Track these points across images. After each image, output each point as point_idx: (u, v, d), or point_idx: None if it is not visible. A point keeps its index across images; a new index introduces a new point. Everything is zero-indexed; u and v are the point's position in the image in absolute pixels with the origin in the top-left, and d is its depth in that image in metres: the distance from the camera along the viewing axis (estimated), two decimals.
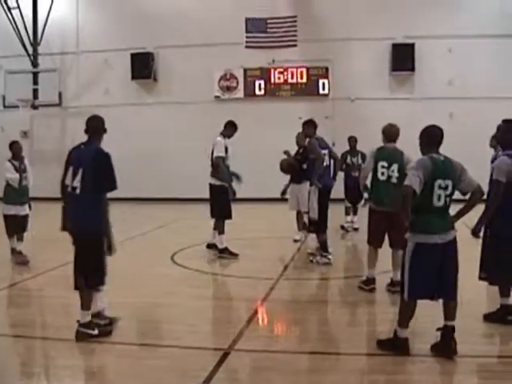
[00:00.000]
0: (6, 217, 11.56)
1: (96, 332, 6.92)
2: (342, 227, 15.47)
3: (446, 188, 6.16)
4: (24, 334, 7.25)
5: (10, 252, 11.58)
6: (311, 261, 11.56)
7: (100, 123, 7.16)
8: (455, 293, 6.30)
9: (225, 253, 12.05)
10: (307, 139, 11.89)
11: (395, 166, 9.04)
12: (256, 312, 8.39)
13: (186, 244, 13.27)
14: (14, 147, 11.91)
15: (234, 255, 12.05)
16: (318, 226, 11.48)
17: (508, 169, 7.05)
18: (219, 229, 12.09)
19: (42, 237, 13.16)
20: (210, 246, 12.42)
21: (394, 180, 8.98)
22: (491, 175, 7.19)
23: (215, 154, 11.81)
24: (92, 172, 6.75)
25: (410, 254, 6.24)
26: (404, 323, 6.33)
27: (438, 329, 6.38)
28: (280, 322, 8.21)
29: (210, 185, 12.09)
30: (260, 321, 8.15)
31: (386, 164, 9.05)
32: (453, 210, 6.35)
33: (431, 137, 6.47)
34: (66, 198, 7.02)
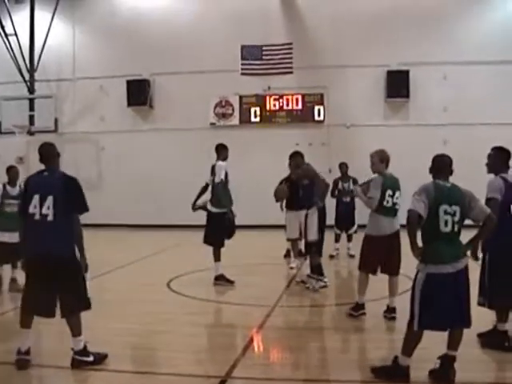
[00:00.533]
0: None
1: (91, 359, 6.86)
2: (331, 256, 15.42)
3: (453, 214, 6.12)
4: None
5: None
6: (307, 287, 11.54)
7: (54, 149, 7.20)
8: (470, 320, 6.26)
9: (221, 280, 12.02)
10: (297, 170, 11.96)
11: (398, 193, 9.17)
12: (252, 339, 8.35)
13: (181, 271, 13.25)
14: (12, 172, 11.77)
15: (230, 282, 12.02)
16: (319, 247, 11.59)
17: (500, 187, 7.13)
18: (215, 256, 12.07)
19: None
20: (217, 279, 12.26)
21: (398, 207, 9.11)
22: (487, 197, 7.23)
23: (218, 180, 11.83)
24: (64, 198, 6.75)
25: (420, 285, 6.17)
26: (408, 352, 6.26)
27: (439, 357, 6.34)
28: (276, 350, 8.17)
29: (209, 212, 12.08)
30: (256, 348, 8.10)
31: (391, 192, 9.08)
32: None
33: (438, 165, 6.46)
34: (29, 226, 6.93)
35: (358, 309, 9.21)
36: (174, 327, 8.85)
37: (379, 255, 9.01)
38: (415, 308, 6.20)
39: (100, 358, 6.96)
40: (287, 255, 15.27)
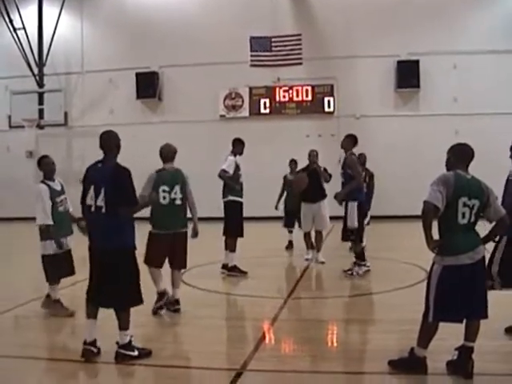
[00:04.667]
0: (44, 257, 9.01)
1: (136, 353, 6.87)
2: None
3: (471, 207, 6.00)
4: (35, 356, 7.20)
5: (45, 301, 9.25)
6: (351, 274, 11.61)
7: (110, 139, 6.99)
8: (486, 311, 6.17)
9: (234, 271, 12.00)
10: (343, 153, 12.07)
11: (177, 188, 9.07)
12: (266, 332, 8.32)
13: (194, 263, 13.21)
14: (45, 163, 9.17)
15: (244, 273, 12.01)
16: (357, 234, 11.70)
17: None
18: (230, 247, 12.05)
19: None
20: (225, 267, 12.28)
21: (178, 202, 9.07)
22: (506, 186, 7.13)
23: (221, 168, 11.81)
24: (113, 190, 6.66)
25: (436, 277, 6.09)
26: (424, 343, 6.22)
27: (457, 348, 6.28)
28: (290, 342, 8.13)
29: (223, 202, 12.08)
30: (271, 340, 8.07)
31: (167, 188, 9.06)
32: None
33: (460, 154, 6.28)
34: (88, 218, 6.96)
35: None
36: (187, 320, 8.84)
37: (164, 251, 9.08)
38: (430, 300, 6.14)
39: (145, 354, 6.95)
40: (289, 247, 15.29)
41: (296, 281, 11.80)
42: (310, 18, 23.70)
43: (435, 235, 6.10)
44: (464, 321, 6.21)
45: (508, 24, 22.16)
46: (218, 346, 7.66)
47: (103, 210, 6.69)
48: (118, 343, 6.86)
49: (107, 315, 6.92)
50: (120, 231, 6.73)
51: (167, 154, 9.27)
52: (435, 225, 6.09)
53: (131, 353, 6.84)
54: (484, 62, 22.25)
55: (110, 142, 6.96)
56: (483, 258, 6.16)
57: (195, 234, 9.40)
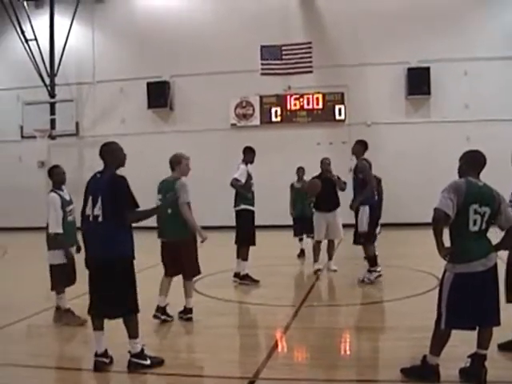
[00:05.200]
0: (52, 267, 9.07)
1: (148, 362, 6.87)
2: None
3: (483, 215, 5.98)
4: (47, 365, 7.24)
5: (56, 315, 9.26)
6: (362, 281, 11.67)
7: (110, 149, 7.06)
8: (499, 318, 6.14)
9: (246, 279, 12.01)
10: (354, 160, 12.24)
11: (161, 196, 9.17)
12: (278, 340, 8.32)
13: (205, 272, 13.20)
14: (56, 173, 9.27)
15: (256, 281, 12.01)
16: (367, 238, 11.74)
17: None
18: (243, 255, 12.07)
19: None
20: (237, 275, 12.27)
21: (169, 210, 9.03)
22: None
23: (233, 177, 11.83)
24: (111, 198, 6.69)
25: (448, 284, 6.07)
26: (437, 351, 6.19)
27: (469, 356, 6.25)
28: (302, 350, 8.12)
29: (235, 211, 12.11)
30: (283, 349, 8.06)
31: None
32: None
33: (472, 161, 6.27)
34: (85, 227, 6.96)
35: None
36: (200, 329, 8.85)
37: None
38: (442, 307, 6.12)
39: (157, 363, 6.96)
40: (301, 255, 15.28)
41: (308, 289, 11.78)
42: (320, 27, 23.74)
43: (446, 242, 6.09)
44: (477, 328, 6.18)
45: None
46: (230, 354, 7.66)
47: (100, 219, 6.72)
48: (130, 352, 6.87)
49: (118, 323, 6.93)
50: (117, 240, 6.73)
51: (170, 163, 9.41)
52: (446, 232, 6.08)
53: (144, 362, 6.84)
54: (494, 68, 22.22)
55: (109, 153, 7.02)
56: (495, 265, 6.12)
57: (200, 240, 9.25)
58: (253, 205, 12.05)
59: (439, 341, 6.21)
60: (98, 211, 6.74)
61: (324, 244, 13.36)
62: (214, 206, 20.78)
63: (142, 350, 6.90)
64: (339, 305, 10.72)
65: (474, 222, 5.99)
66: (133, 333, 6.86)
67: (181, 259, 9.07)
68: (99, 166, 7.03)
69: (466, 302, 5.99)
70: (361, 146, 12.10)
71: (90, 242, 6.93)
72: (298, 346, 8.24)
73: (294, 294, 11.56)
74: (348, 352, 7.97)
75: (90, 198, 6.84)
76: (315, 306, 10.56)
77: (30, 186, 24.49)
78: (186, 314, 9.13)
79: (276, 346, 8.03)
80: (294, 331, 8.75)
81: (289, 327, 8.82)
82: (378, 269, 11.83)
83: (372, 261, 11.89)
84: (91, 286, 6.93)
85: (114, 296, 6.72)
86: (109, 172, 6.94)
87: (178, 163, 9.33)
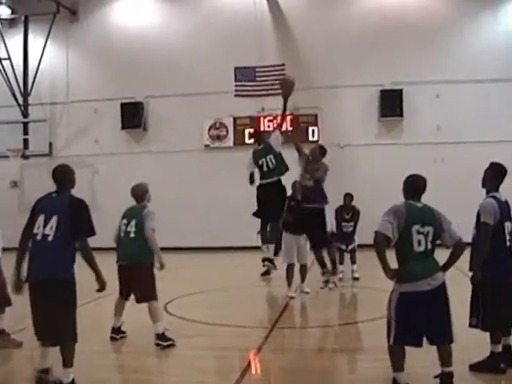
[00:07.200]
0: None
1: None
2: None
3: (426, 234, 6.21)
4: None
5: None
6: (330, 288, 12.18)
7: (66, 172, 7.09)
8: (450, 336, 6.26)
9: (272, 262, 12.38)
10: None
11: (133, 222, 9.31)
12: (251, 361, 8.29)
13: (178, 294, 13.19)
14: None
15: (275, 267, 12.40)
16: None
17: (495, 211, 6.99)
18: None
19: None
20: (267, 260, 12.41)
21: (132, 235, 9.21)
22: (477, 218, 7.15)
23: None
24: (69, 219, 6.61)
25: (394, 303, 6.27)
26: (398, 367, 6.28)
27: (436, 376, 6.29)
28: (275, 372, 8.10)
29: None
30: (256, 371, 8.04)
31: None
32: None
33: (411, 186, 6.60)
34: (27, 246, 6.81)
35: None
36: (172, 350, 8.77)
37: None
38: (391, 324, 6.31)
39: None
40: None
41: (281, 310, 11.76)
42: (294, 48, 23.89)
43: (394, 264, 6.28)
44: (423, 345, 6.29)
45: (490, 54, 22.45)
46: (201, 376, 7.62)
47: (50, 238, 6.60)
48: (61, 383, 6.66)
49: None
50: (62, 261, 6.61)
51: (138, 193, 9.85)
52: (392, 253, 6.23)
53: None
54: (467, 90, 22.48)
55: (64, 175, 7.04)
56: (443, 284, 6.28)
57: (160, 266, 9.28)
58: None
59: (396, 356, 6.34)
60: (48, 231, 6.61)
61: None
62: (186, 227, 20.71)
63: (73, 380, 6.68)
64: (312, 326, 10.72)
65: (419, 243, 6.21)
66: (68, 362, 6.64)
67: (135, 282, 9.02)
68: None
69: (411, 320, 6.15)
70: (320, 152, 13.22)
71: (35, 262, 6.67)
72: (271, 368, 8.22)
73: (266, 316, 11.53)
74: (322, 373, 7.95)
75: (42, 216, 6.69)
76: (288, 327, 10.55)
77: (2, 205, 24.27)
78: (159, 339, 8.88)
79: (248, 368, 8.00)
80: (267, 353, 8.71)
81: (261, 348, 8.79)
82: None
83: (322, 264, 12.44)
84: (34, 308, 6.67)
85: (54, 319, 6.51)
86: (66, 193, 6.91)
87: (146, 192, 9.74)
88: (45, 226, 6.66)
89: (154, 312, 9.00)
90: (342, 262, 15.00)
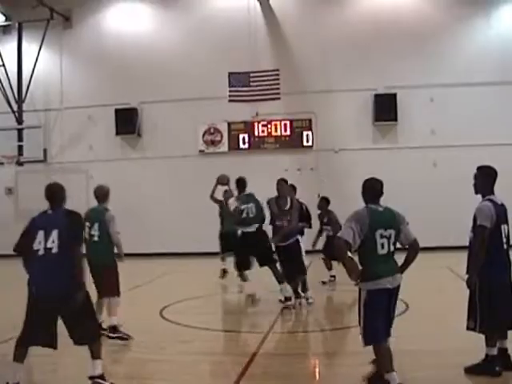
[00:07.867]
0: None
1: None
2: (324, 282, 15.18)
3: (389, 237, 6.37)
4: None
5: None
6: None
7: (60, 191, 7.20)
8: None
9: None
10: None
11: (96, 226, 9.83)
12: (247, 366, 8.27)
13: (173, 299, 13.18)
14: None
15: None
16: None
17: (491, 213, 6.98)
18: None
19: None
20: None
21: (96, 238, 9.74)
22: (474, 221, 7.15)
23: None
24: (69, 231, 6.74)
25: (363, 302, 6.39)
26: (388, 367, 6.29)
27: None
28: (271, 376, 8.08)
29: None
30: (252, 375, 8.03)
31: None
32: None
33: (370, 189, 6.73)
34: (36, 262, 6.77)
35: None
36: (168, 356, 8.76)
37: None
38: (361, 325, 6.46)
39: None
40: (224, 276, 15.24)
41: (276, 315, 11.75)
42: (288, 54, 23.96)
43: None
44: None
45: (483, 58, 22.54)
46: (198, 382, 7.62)
47: (54, 251, 6.65)
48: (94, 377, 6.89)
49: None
50: (70, 270, 6.67)
51: (100, 195, 10.46)
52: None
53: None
54: (460, 94, 22.56)
55: (56, 193, 7.16)
56: (399, 285, 6.46)
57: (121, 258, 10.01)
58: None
59: (383, 357, 6.38)
60: (51, 244, 6.67)
61: None
62: (181, 232, 20.71)
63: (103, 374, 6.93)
64: (307, 331, 10.74)
65: (382, 246, 6.36)
66: (98, 353, 6.92)
67: (100, 280, 9.54)
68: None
69: (377, 318, 6.31)
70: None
71: (43, 276, 6.70)
72: (266, 373, 8.20)
73: (262, 321, 11.51)
74: (317, 377, 7.96)
75: (42, 232, 6.74)
76: (283, 332, 10.56)
77: None
78: (110, 332, 9.40)
79: (244, 372, 7.98)
80: (263, 357, 8.69)
81: (257, 353, 8.77)
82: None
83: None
84: (35, 317, 6.73)
85: (78, 326, 6.75)
86: (62, 209, 7.05)
87: (108, 193, 10.33)
88: (46, 241, 6.71)
89: (113, 307, 9.67)
90: (330, 268, 15.07)
